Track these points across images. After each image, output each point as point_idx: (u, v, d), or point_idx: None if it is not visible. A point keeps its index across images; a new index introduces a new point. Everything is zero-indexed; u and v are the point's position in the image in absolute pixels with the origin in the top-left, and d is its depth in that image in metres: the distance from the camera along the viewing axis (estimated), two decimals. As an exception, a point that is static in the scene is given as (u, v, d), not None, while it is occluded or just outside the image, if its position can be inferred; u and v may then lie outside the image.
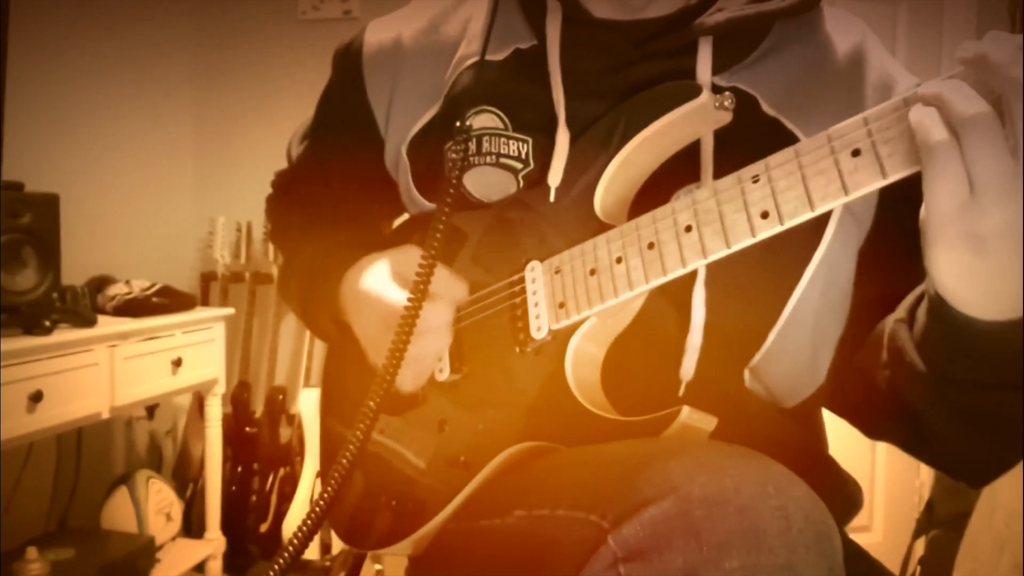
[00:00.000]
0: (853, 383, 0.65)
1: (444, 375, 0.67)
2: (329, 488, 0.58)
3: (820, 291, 0.62)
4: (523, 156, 0.67)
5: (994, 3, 2.24)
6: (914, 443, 0.63)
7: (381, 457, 0.72)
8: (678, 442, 0.53)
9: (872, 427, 0.67)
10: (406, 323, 0.60)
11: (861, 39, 0.67)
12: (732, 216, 0.51)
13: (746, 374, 0.64)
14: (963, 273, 0.45)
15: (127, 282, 1.98)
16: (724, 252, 0.52)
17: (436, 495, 0.65)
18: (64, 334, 1.65)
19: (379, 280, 0.69)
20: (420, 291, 0.61)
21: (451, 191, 0.64)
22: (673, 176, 0.62)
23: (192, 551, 2.09)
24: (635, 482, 0.46)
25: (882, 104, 0.47)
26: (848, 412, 0.69)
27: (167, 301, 1.97)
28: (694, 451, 0.48)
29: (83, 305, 1.83)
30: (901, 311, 0.59)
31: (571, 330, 0.61)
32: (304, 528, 0.56)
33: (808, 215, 0.49)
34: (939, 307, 0.49)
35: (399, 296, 0.65)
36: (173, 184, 2.62)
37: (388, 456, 0.71)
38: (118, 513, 2.01)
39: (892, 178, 0.46)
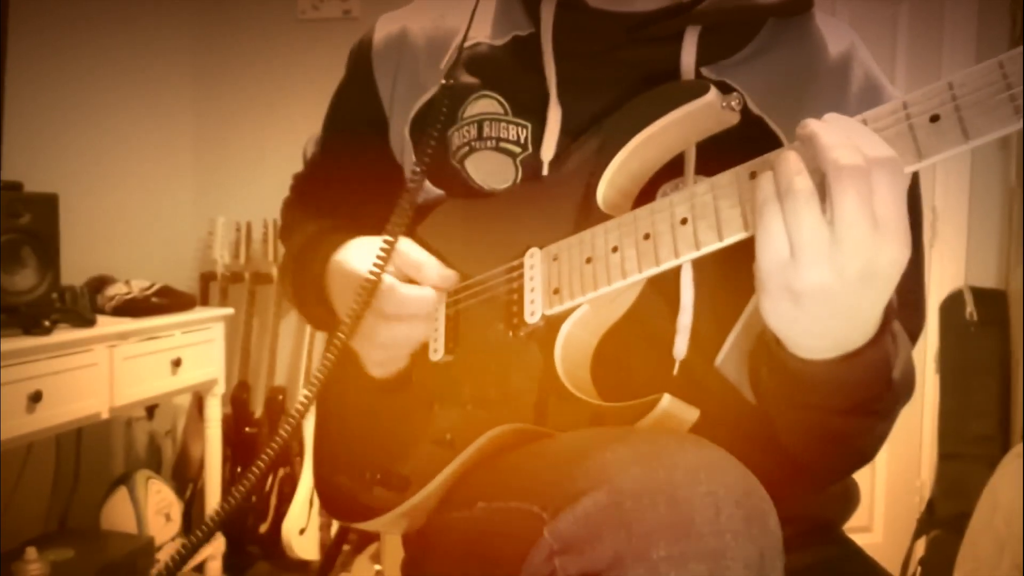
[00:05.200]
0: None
1: (439, 355, 0.68)
2: (262, 459, 0.60)
3: None
4: (522, 141, 0.69)
5: (994, 4, 2.24)
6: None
7: (368, 432, 0.73)
8: (621, 431, 0.54)
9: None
10: (365, 291, 0.62)
11: (849, 47, 0.69)
12: (727, 211, 0.52)
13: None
14: (784, 319, 0.50)
15: (126, 282, 1.99)
16: (717, 245, 0.52)
17: (421, 472, 0.66)
18: (63, 334, 1.65)
19: (356, 256, 0.70)
20: (384, 259, 0.62)
21: (425, 160, 0.66)
22: (661, 169, 0.63)
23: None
24: (572, 473, 0.47)
25: (876, 108, 0.48)
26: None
27: (166, 301, 1.97)
28: (632, 440, 0.49)
29: (82, 305, 1.84)
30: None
31: (564, 317, 0.62)
32: (235, 493, 0.59)
33: None
34: (773, 343, 0.54)
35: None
36: (173, 184, 2.62)
37: (375, 432, 0.72)
38: (117, 513, 2.01)
39: None
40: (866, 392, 0.55)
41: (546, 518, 0.46)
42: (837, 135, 0.46)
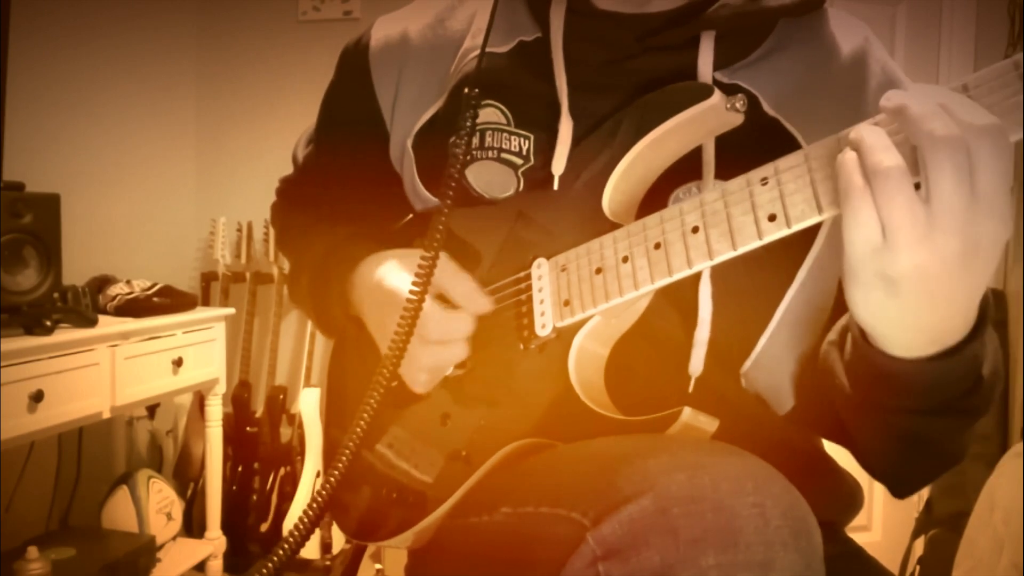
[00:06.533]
0: (808, 389, 0.66)
1: (450, 369, 0.67)
2: (330, 481, 0.58)
3: (808, 295, 0.62)
4: (524, 152, 0.67)
5: (993, 4, 2.25)
6: (857, 453, 0.65)
7: (383, 452, 0.72)
8: (658, 439, 0.53)
9: (825, 432, 0.69)
10: (408, 316, 0.60)
11: (863, 42, 0.67)
12: (739, 218, 0.51)
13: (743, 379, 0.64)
14: (876, 311, 0.47)
15: (128, 282, 1.99)
16: (730, 254, 0.51)
17: (437, 488, 0.66)
18: (65, 334, 1.65)
19: (395, 275, 0.68)
20: (422, 283, 0.60)
21: (452, 184, 0.64)
22: (673, 174, 0.62)
23: (193, 550, 2.09)
24: (614, 480, 0.47)
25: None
26: (807, 416, 0.70)
27: (168, 301, 1.97)
28: (673, 448, 0.48)
29: (84, 305, 1.84)
30: (834, 333, 0.61)
31: (575, 328, 0.61)
32: (304, 521, 0.57)
33: (816, 219, 0.48)
34: (860, 340, 0.52)
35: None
36: (174, 184, 2.62)
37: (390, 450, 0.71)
38: (119, 512, 2.01)
39: None
40: (957, 390, 0.52)
41: (587, 524, 0.46)
42: (929, 104, 0.42)
